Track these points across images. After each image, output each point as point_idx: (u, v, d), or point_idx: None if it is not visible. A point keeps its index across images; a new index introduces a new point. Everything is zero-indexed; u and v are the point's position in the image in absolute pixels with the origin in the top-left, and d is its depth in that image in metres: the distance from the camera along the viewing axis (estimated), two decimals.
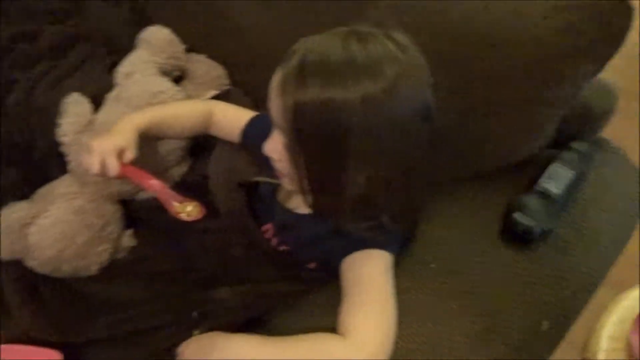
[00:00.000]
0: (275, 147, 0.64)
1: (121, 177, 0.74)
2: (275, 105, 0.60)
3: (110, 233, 0.80)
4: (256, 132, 0.78)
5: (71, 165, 0.83)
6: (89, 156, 0.72)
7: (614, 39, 0.67)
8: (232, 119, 0.85)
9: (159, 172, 0.86)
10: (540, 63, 0.70)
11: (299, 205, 0.71)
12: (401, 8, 0.76)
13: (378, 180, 0.60)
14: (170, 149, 0.87)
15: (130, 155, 0.74)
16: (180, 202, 0.73)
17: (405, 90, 0.58)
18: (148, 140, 0.82)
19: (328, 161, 0.60)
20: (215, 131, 0.87)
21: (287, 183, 0.68)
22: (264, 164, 0.74)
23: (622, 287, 0.86)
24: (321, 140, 0.58)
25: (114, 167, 0.71)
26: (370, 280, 0.63)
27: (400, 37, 0.61)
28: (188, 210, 0.73)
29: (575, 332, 0.71)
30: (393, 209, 0.64)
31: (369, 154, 0.59)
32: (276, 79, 0.60)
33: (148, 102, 0.85)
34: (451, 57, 0.73)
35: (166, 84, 0.90)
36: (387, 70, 0.57)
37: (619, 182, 0.81)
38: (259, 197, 0.79)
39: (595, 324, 0.61)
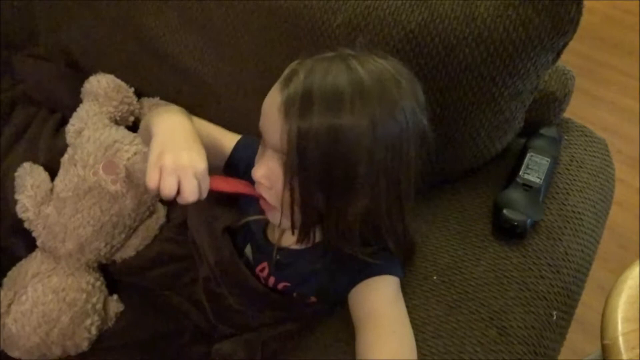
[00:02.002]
0: (267, 172, 0.59)
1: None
2: (275, 128, 0.56)
3: (95, 304, 0.76)
4: (246, 156, 0.72)
5: (40, 241, 0.78)
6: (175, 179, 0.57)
7: (567, 27, 0.68)
8: (218, 137, 0.76)
9: (136, 227, 0.82)
10: (498, 61, 0.70)
11: (293, 241, 0.69)
12: (357, 26, 0.74)
13: (378, 203, 0.59)
14: (141, 200, 0.82)
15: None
16: None
17: (407, 112, 0.57)
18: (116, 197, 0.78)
19: (330, 186, 0.57)
20: None
21: (272, 216, 0.64)
22: (249, 200, 0.71)
23: (605, 260, 0.89)
24: (326, 166, 0.55)
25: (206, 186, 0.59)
26: (383, 312, 0.61)
27: (392, 58, 0.60)
28: None
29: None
30: (393, 231, 0.63)
31: (373, 177, 0.57)
32: (275, 101, 0.56)
33: (105, 156, 0.81)
34: (411, 68, 0.72)
35: (121, 132, 0.86)
36: (391, 90, 0.56)
37: (589, 158, 0.84)
38: (250, 236, 0.76)
39: (606, 308, 0.62)
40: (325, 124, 0.53)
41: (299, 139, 0.54)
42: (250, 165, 0.64)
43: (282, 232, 0.71)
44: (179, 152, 0.59)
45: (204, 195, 0.59)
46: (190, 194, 0.57)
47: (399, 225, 0.62)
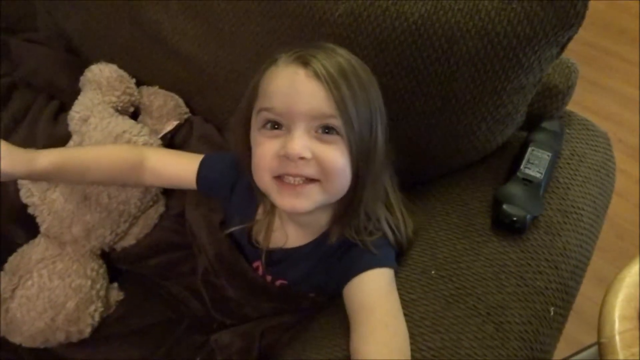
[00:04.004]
0: (307, 143, 0.60)
1: None
2: (311, 97, 0.60)
3: (99, 290, 0.76)
4: (214, 172, 0.76)
5: (45, 226, 0.78)
6: None
7: (572, 21, 0.67)
8: (175, 165, 0.78)
9: (139, 216, 0.83)
10: (502, 55, 0.69)
11: (286, 241, 0.70)
12: (359, 16, 0.74)
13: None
14: (147, 189, 0.82)
15: None
16: None
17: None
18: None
19: (365, 159, 0.62)
20: (151, 179, 0.78)
21: (299, 194, 0.61)
22: (236, 207, 0.73)
23: (603, 250, 0.89)
24: (365, 138, 0.62)
25: None
26: (376, 304, 0.62)
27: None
28: None
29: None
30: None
31: (382, 147, 0.65)
32: (299, 72, 0.60)
33: None
34: (412, 60, 0.73)
35: (128, 122, 0.86)
36: (367, 68, 0.65)
37: (591, 152, 0.83)
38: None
39: (604, 306, 0.62)
40: (359, 91, 0.61)
41: (353, 106, 0.60)
42: (221, 179, 0.74)
43: (268, 233, 0.71)
44: None
45: None
46: None
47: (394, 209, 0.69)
